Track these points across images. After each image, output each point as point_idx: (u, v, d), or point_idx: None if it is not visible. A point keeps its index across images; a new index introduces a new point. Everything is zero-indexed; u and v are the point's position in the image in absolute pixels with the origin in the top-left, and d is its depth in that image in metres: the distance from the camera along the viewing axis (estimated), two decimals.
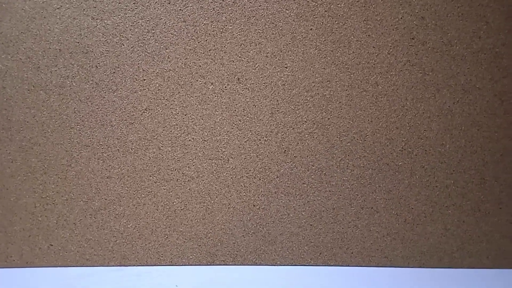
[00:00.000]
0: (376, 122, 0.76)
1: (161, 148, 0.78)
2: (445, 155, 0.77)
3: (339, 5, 0.75)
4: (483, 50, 0.74)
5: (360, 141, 0.77)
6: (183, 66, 0.76)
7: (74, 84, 0.76)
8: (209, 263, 0.80)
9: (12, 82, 0.76)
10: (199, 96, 0.77)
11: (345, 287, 0.73)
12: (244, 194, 0.78)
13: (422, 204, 0.78)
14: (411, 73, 0.75)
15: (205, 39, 0.76)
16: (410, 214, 0.78)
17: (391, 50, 0.75)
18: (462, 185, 0.77)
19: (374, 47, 0.75)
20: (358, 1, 0.74)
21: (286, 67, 0.76)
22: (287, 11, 0.75)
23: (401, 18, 0.74)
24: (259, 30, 0.75)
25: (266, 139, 0.77)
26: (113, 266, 0.79)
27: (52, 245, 0.79)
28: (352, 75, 0.76)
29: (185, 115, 0.77)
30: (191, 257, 0.80)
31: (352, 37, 0.75)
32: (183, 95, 0.77)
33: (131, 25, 0.75)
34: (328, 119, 0.77)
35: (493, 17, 0.74)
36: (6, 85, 0.76)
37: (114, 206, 0.79)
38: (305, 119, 0.77)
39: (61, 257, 0.79)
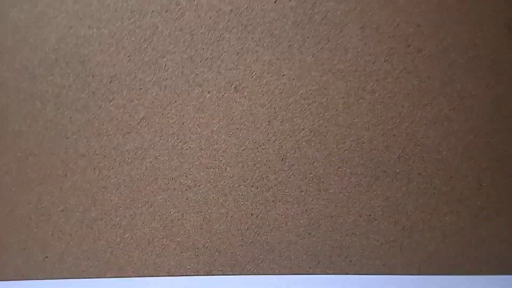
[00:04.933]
0: (373, 130, 0.77)
1: (158, 157, 0.77)
2: (442, 161, 0.77)
3: (335, 13, 0.75)
4: (479, 57, 0.75)
5: (358, 149, 0.77)
6: (180, 75, 0.76)
7: (70, 93, 0.76)
8: (207, 273, 0.79)
9: (7, 92, 0.75)
10: (196, 104, 0.77)
11: None
12: (242, 203, 0.78)
13: (420, 211, 0.78)
14: (408, 80, 0.76)
15: (202, 47, 0.76)
16: (408, 221, 0.78)
17: (387, 58, 0.75)
18: (460, 192, 0.77)
19: (370, 54, 0.75)
20: (354, 9, 0.75)
21: (283, 75, 0.76)
22: (283, 19, 0.75)
23: (397, 25, 0.75)
24: (256, 39, 0.76)
25: (264, 147, 0.77)
26: (110, 277, 0.78)
27: (47, 257, 0.78)
28: (349, 83, 0.76)
29: (182, 124, 0.77)
30: (188, 267, 0.79)
31: (349, 45, 0.75)
32: (180, 104, 0.76)
33: (128, 34, 0.75)
34: (325, 126, 0.77)
35: (488, 24, 0.75)
36: (2, 95, 0.75)
37: (111, 217, 0.78)
38: (302, 127, 0.77)
39: (57, 269, 0.78)
